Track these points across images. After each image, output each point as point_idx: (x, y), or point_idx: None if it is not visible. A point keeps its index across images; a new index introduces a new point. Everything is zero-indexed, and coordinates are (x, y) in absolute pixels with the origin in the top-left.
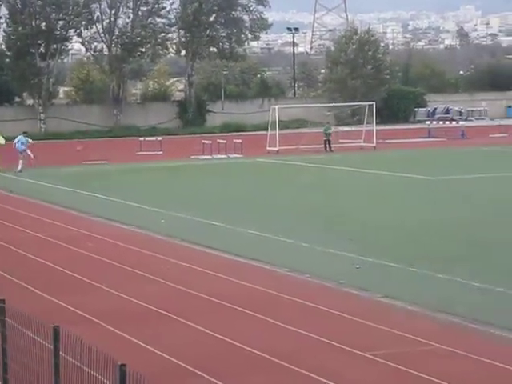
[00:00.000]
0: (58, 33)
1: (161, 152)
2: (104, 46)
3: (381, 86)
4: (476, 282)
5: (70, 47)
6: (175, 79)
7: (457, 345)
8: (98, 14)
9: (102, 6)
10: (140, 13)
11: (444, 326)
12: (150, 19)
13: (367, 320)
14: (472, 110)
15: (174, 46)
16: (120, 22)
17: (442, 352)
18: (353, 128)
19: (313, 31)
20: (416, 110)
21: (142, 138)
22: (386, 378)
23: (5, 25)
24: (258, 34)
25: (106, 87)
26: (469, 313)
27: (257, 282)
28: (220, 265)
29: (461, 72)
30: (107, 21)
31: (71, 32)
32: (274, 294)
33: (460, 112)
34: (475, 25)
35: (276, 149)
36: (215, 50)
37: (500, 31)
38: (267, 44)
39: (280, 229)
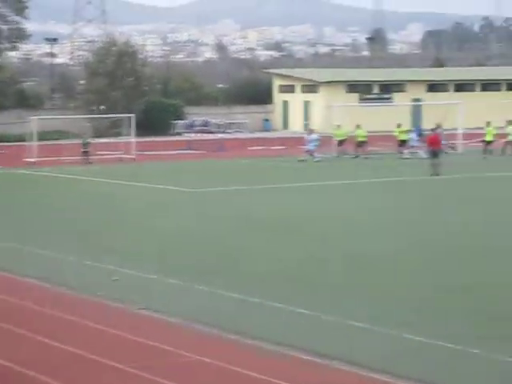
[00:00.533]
0: None
1: None
2: None
3: (140, 97)
4: (232, 293)
5: None
6: None
7: (214, 355)
8: None
9: None
10: None
11: (201, 336)
12: None
13: (124, 332)
14: (231, 123)
15: None
16: None
17: (199, 363)
18: (112, 140)
19: (72, 42)
20: (175, 122)
21: None
22: None
23: None
24: (16, 44)
25: None
26: (226, 323)
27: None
28: None
29: (219, 85)
30: None
31: None
32: (24, 306)
33: (219, 125)
34: (234, 38)
35: (33, 160)
36: None
37: (258, 45)
38: (26, 54)
39: (33, 239)
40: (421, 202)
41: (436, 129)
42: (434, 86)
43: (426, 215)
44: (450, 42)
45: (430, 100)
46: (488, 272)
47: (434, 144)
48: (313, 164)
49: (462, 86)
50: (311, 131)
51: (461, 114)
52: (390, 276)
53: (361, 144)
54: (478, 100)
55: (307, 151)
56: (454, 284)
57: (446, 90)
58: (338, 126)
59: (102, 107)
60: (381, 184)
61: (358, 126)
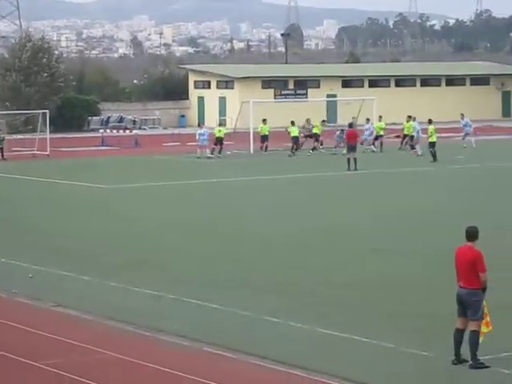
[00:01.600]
0: None
1: None
2: None
3: (55, 93)
4: (148, 290)
5: None
6: None
7: (129, 352)
8: None
9: None
10: None
11: (117, 333)
12: None
13: (39, 329)
14: (145, 119)
15: None
16: None
17: (114, 360)
18: (26, 136)
19: None
20: (90, 118)
21: None
22: None
23: None
24: None
25: None
26: (141, 320)
27: None
28: None
29: (134, 81)
30: None
31: None
32: None
33: (134, 121)
34: (149, 34)
35: None
36: None
37: (173, 41)
38: None
39: None
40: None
41: (352, 124)
42: (348, 82)
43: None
44: (364, 38)
45: (345, 96)
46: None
47: (351, 139)
48: (227, 160)
49: (376, 82)
50: (201, 126)
51: (375, 110)
52: (303, 272)
53: (264, 139)
54: (392, 95)
55: (201, 147)
56: (363, 279)
57: (360, 86)
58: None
59: (6, 103)
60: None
61: (263, 121)
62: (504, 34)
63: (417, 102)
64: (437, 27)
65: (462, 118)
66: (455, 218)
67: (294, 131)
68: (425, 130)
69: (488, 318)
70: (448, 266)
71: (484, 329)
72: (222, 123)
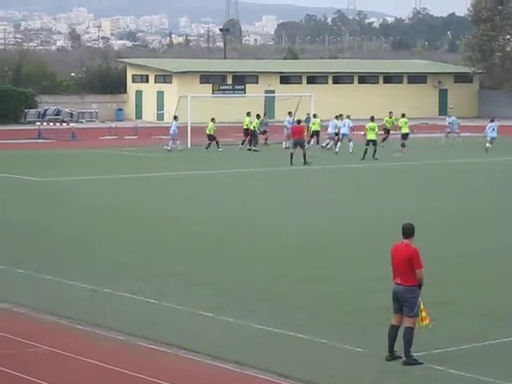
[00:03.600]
0: None
1: None
2: None
3: None
4: (84, 283)
5: None
6: None
7: (62, 346)
8: None
9: None
10: None
11: (51, 327)
12: None
13: None
14: (83, 112)
15: None
16: None
17: (47, 353)
18: None
19: None
20: (27, 110)
21: None
22: None
23: None
24: None
25: None
26: (76, 314)
27: None
28: None
29: (72, 74)
30: None
31: None
32: None
33: (71, 114)
34: (87, 27)
35: None
36: None
37: (112, 34)
38: None
39: None
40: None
41: (300, 120)
42: (286, 78)
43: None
44: (303, 34)
45: (283, 91)
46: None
47: (297, 134)
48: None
49: (314, 78)
50: (175, 118)
51: (313, 106)
52: (234, 264)
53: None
54: (330, 92)
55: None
56: (299, 276)
57: (298, 82)
58: (212, 119)
59: None
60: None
61: (212, 120)
62: (441, 32)
63: (354, 99)
64: (375, 25)
65: (449, 116)
66: (358, 209)
67: (253, 123)
68: (359, 127)
69: (424, 313)
70: (376, 259)
71: (421, 323)
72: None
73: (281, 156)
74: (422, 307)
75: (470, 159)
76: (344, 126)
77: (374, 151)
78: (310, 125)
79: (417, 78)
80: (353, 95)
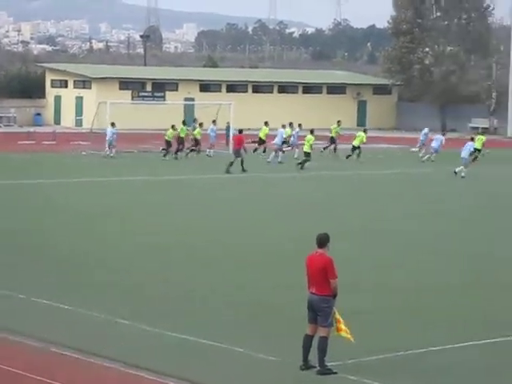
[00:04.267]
0: None
1: None
2: None
3: None
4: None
5: None
6: None
7: None
8: None
9: None
10: None
11: None
12: None
13: None
14: (1, 117)
15: None
16: None
17: None
18: None
19: None
20: None
21: None
22: None
23: None
24: None
25: None
26: None
27: None
28: None
29: None
30: None
31: None
32: None
33: None
34: (7, 31)
35: None
36: None
37: (32, 39)
38: None
39: None
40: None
41: (242, 130)
42: (206, 86)
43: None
44: (223, 43)
45: (203, 99)
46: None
47: (238, 144)
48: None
49: (234, 87)
50: (112, 125)
51: (232, 115)
52: (146, 273)
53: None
54: (249, 101)
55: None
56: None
57: (218, 90)
58: (173, 126)
59: None
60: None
61: (172, 127)
62: (361, 44)
63: (274, 108)
64: (295, 35)
65: (421, 130)
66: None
67: (181, 132)
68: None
69: (341, 325)
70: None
71: (339, 332)
72: (184, 122)
73: (207, 163)
74: (337, 317)
75: (384, 170)
76: (294, 135)
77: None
78: (231, 133)
79: (336, 89)
80: (272, 104)
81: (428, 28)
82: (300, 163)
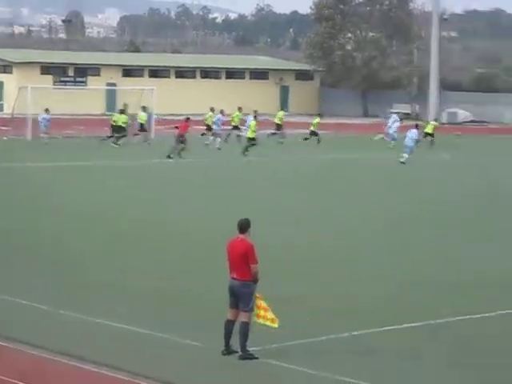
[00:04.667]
0: None
1: None
2: None
3: None
4: None
5: None
6: None
7: None
8: None
9: None
10: None
11: None
12: None
13: None
14: None
15: None
16: None
17: None
18: None
19: None
20: None
21: None
22: None
23: None
24: None
25: None
26: None
27: None
28: None
29: None
30: None
31: None
32: None
33: None
34: None
35: None
36: None
37: None
38: None
39: None
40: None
41: (188, 118)
42: (128, 71)
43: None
44: (146, 28)
45: (125, 85)
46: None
47: (183, 130)
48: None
49: (156, 72)
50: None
51: (154, 100)
52: (79, 259)
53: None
54: (172, 86)
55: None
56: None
57: (140, 76)
58: (144, 107)
59: None
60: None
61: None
62: (284, 29)
63: (197, 93)
64: (218, 20)
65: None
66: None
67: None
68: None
69: (262, 311)
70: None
71: (262, 320)
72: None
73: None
74: (259, 304)
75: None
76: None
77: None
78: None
79: (259, 74)
80: (195, 90)
81: (350, 14)
82: (245, 149)
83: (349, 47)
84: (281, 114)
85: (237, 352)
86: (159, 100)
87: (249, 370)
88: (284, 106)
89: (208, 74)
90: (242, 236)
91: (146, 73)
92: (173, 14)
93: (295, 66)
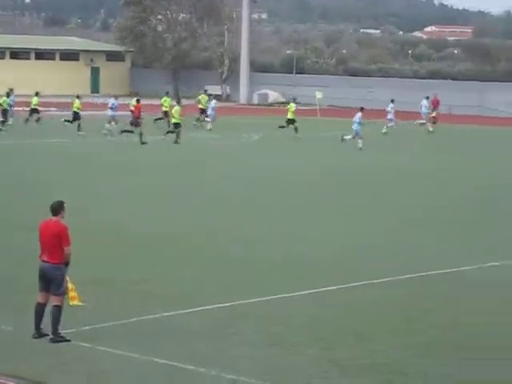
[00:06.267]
0: None
1: None
2: None
3: None
4: None
5: None
6: None
7: None
8: None
9: None
10: None
11: None
12: None
13: None
14: None
15: None
16: None
17: None
18: None
19: None
20: None
21: None
22: None
23: None
24: None
25: None
26: None
27: None
28: None
29: None
30: None
31: None
32: None
33: None
34: None
35: None
36: None
37: None
38: None
39: None
40: None
41: (139, 101)
42: None
43: None
44: None
45: None
46: None
47: (137, 112)
48: None
49: None
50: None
51: None
52: None
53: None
54: None
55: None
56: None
57: None
58: (37, 93)
59: None
60: None
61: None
62: (96, 10)
63: (5, 74)
64: (28, 0)
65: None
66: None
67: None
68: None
69: (74, 293)
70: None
71: (72, 301)
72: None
73: None
74: (69, 286)
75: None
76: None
77: (174, 132)
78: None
79: (69, 55)
80: (4, 71)
81: None
82: (170, 132)
83: (160, 28)
84: (201, 97)
85: (48, 335)
86: None
87: (62, 353)
88: (95, 87)
89: (17, 54)
90: (55, 218)
91: None
92: None
93: (106, 46)
